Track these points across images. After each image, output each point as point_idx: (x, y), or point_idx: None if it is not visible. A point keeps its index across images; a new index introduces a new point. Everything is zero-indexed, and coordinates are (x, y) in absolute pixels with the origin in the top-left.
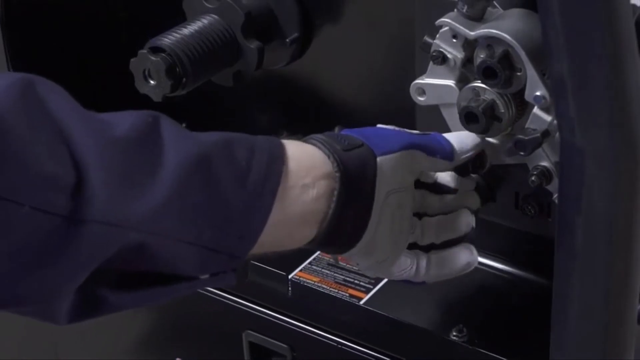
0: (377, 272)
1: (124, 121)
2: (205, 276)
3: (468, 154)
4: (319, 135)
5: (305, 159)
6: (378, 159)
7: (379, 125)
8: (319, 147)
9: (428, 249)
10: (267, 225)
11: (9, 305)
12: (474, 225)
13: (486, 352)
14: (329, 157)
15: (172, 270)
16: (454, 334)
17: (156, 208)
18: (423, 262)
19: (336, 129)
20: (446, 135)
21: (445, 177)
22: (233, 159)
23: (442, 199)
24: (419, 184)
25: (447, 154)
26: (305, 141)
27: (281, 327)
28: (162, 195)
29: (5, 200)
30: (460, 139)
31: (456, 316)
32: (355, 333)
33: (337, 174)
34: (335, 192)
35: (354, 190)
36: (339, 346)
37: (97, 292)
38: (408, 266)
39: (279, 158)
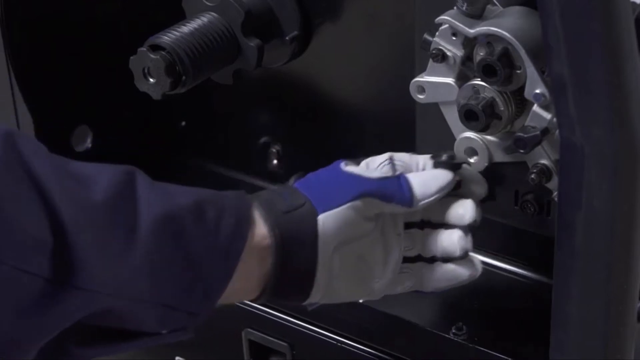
0: (377, 296)
1: (101, 179)
2: (165, 331)
3: (429, 199)
4: (265, 194)
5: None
6: (320, 216)
7: (342, 164)
8: (260, 213)
9: (432, 260)
10: None
11: None
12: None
13: (485, 350)
14: (265, 222)
15: (135, 327)
16: (454, 331)
17: (131, 275)
18: (428, 274)
19: (292, 179)
20: (410, 176)
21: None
22: (203, 221)
23: (428, 233)
24: (408, 225)
25: (405, 199)
26: (252, 199)
27: (281, 325)
28: (137, 261)
29: None
30: (425, 181)
31: (455, 314)
32: (355, 331)
33: (271, 241)
34: (271, 262)
35: (290, 257)
36: (339, 344)
37: (60, 345)
38: (412, 284)
39: (247, 219)
